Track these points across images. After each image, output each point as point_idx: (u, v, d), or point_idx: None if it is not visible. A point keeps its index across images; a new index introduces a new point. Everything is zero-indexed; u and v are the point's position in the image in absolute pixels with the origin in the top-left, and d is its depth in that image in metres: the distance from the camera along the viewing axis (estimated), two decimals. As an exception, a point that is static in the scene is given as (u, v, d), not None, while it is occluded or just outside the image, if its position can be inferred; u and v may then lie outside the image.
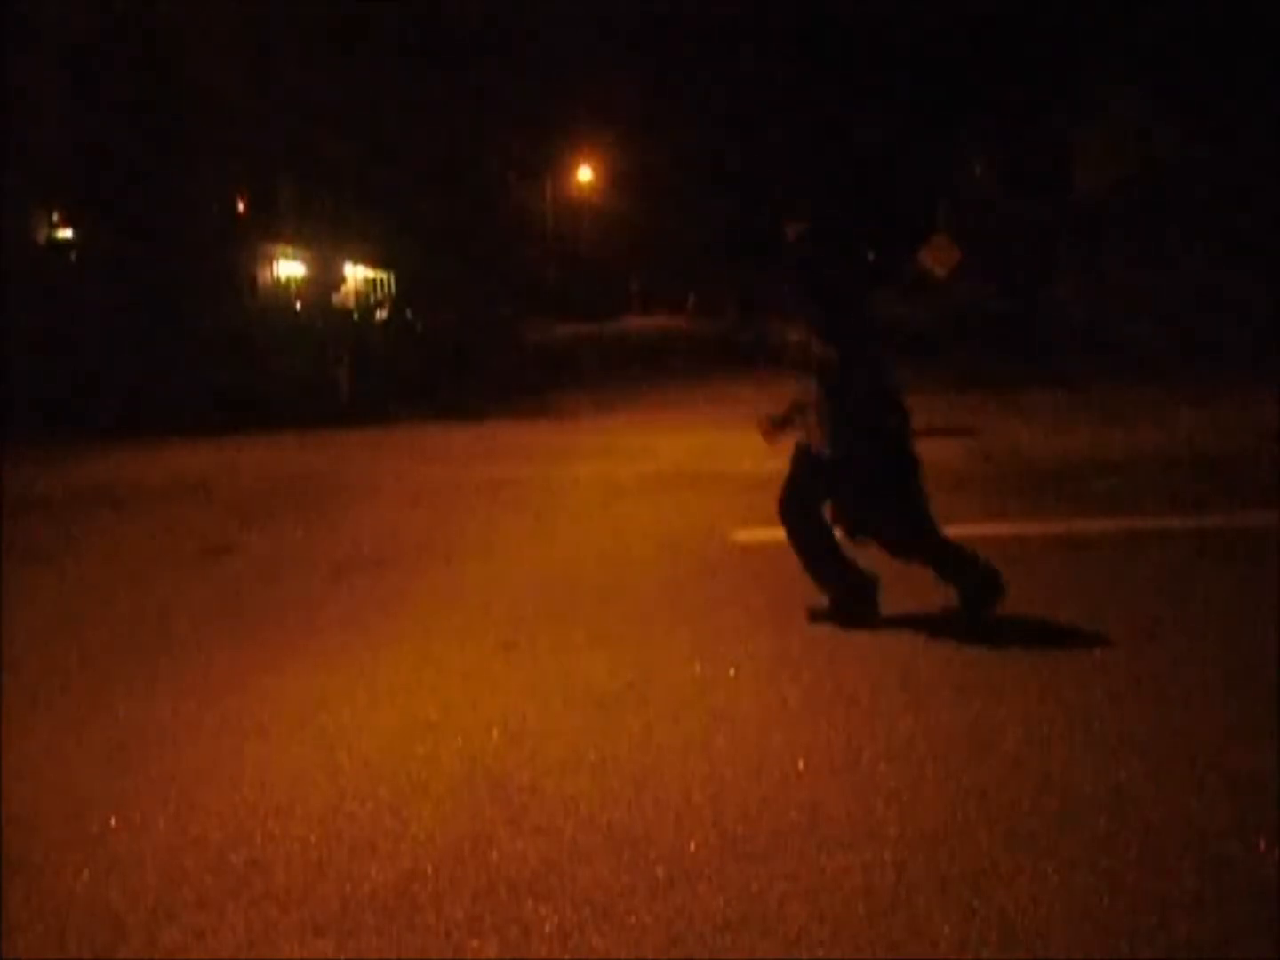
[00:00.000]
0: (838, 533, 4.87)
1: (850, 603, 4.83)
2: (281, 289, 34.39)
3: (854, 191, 34.28)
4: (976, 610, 4.82)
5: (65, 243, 24.61)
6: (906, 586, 5.48)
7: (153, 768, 3.63)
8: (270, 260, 34.16)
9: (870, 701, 3.95)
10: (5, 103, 20.23)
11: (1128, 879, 2.73)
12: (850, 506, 4.81)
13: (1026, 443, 10.34)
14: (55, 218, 24.20)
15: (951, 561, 4.87)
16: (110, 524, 8.10)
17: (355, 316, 33.53)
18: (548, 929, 2.62)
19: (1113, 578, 5.50)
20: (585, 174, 47.37)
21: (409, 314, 37.15)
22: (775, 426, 4.99)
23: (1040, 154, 30.08)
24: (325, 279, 36.43)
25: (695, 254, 47.74)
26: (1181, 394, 13.45)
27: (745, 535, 6.24)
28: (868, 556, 4.92)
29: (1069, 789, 3.21)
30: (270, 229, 32.91)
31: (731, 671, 4.31)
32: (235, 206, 30.07)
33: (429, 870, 2.91)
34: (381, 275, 43.76)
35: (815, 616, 4.85)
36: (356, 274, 41.74)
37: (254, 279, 31.98)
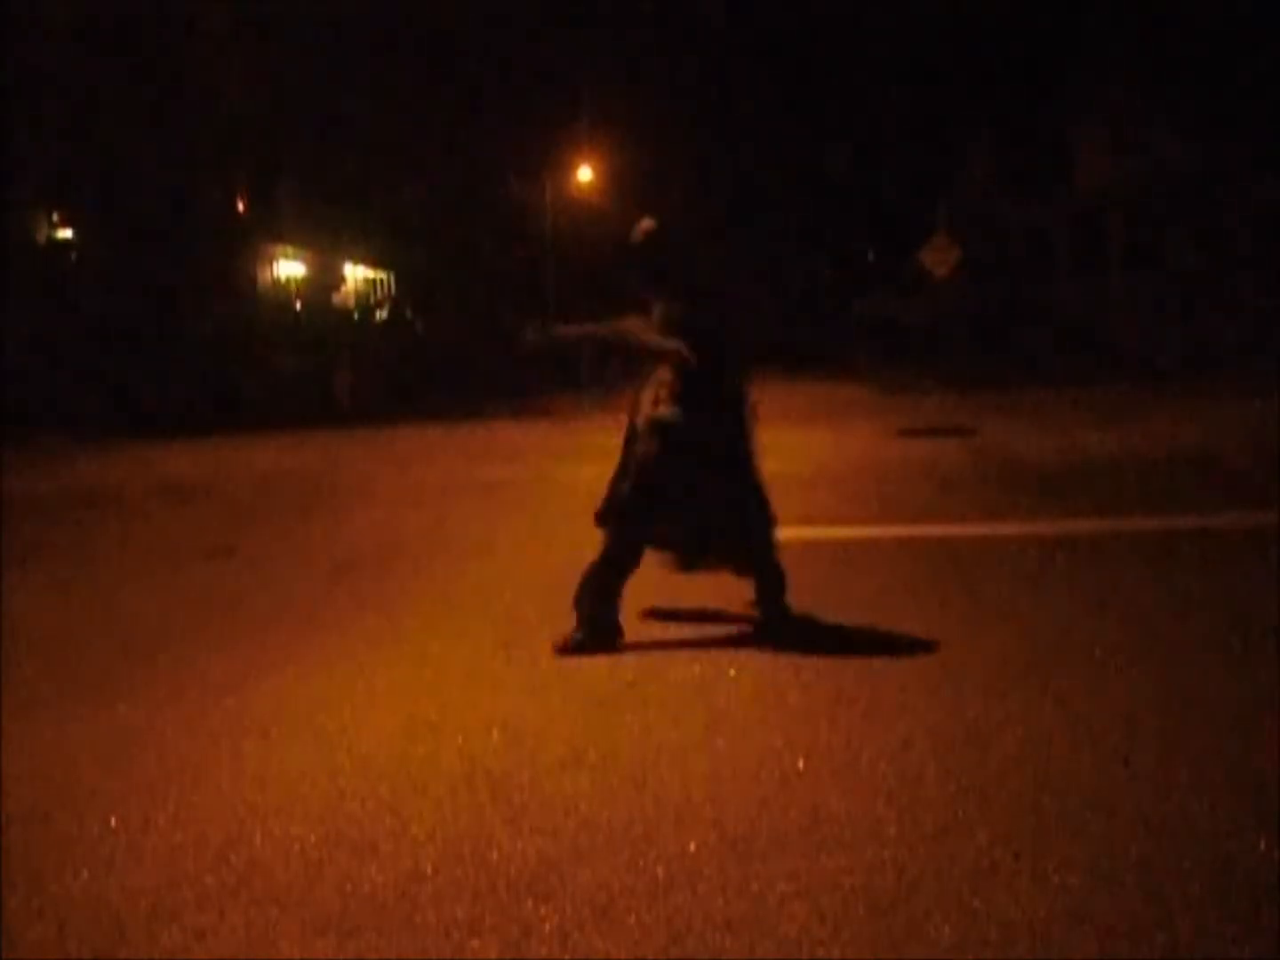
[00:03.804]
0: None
1: (595, 635, 4.74)
2: (281, 289, 34.38)
3: (855, 191, 34.27)
4: (775, 614, 4.82)
5: (65, 243, 24.61)
6: (905, 588, 5.49)
7: (153, 768, 3.63)
8: (270, 260, 34.15)
9: (870, 701, 3.95)
10: (6, 103, 20.23)
11: (1128, 879, 2.73)
12: (695, 504, 4.77)
13: (1026, 442, 10.34)
14: (55, 218, 24.20)
15: (774, 559, 4.86)
16: (110, 524, 8.10)
17: (355, 316, 33.55)
18: (548, 929, 2.62)
19: (1112, 578, 5.50)
20: (585, 174, 47.33)
21: (409, 314, 37.14)
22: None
23: (1040, 154, 30.09)
24: (325, 279, 36.41)
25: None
26: (1180, 394, 13.46)
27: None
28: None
29: (1069, 789, 3.21)
30: (270, 229, 32.90)
31: (731, 671, 4.31)
32: (235, 206, 30.07)
33: (429, 870, 2.91)
34: (381, 275, 43.74)
35: (562, 650, 4.70)
36: (356, 274, 41.72)
37: (254, 279, 31.97)
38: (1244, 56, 22.44)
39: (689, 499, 4.77)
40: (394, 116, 32.86)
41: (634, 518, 4.77)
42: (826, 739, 3.63)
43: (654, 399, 4.81)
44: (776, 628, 4.81)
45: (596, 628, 4.74)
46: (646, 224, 4.91)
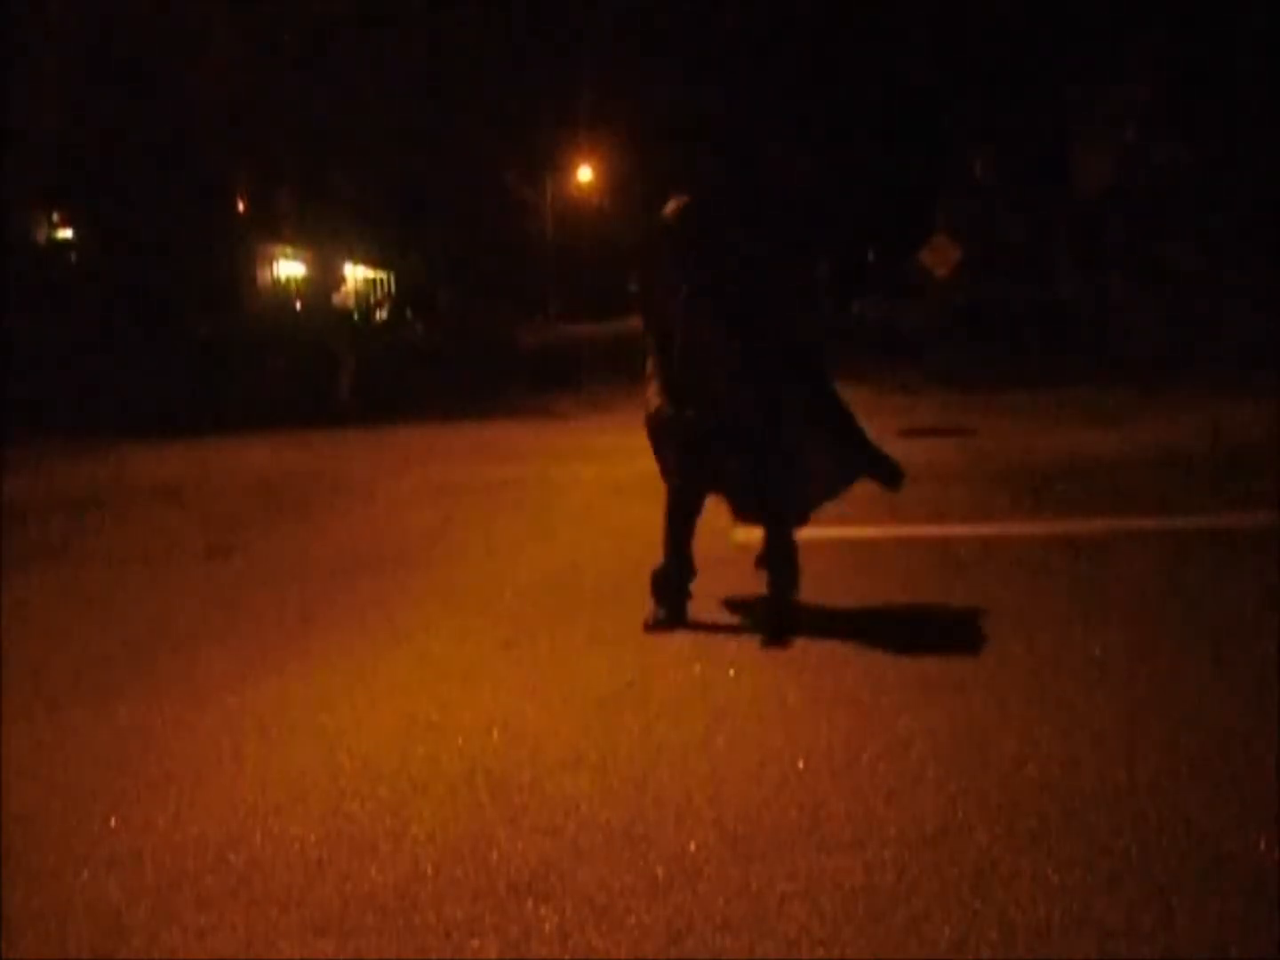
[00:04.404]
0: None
1: (670, 611, 4.93)
2: (281, 289, 34.39)
3: (856, 192, 34.27)
4: (783, 608, 4.93)
5: (65, 243, 24.61)
6: (905, 588, 5.49)
7: (153, 768, 3.63)
8: (270, 260, 34.16)
9: (870, 701, 3.95)
10: (5, 103, 20.22)
11: (1128, 879, 2.73)
12: (736, 473, 4.93)
13: (1025, 442, 10.34)
14: (55, 218, 24.20)
15: (790, 552, 4.98)
16: (110, 525, 8.10)
17: (355, 316, 33.58)
18: (548, 929, 2.62)
19: (1111, 578, 5.50)
20: (585, 174, 47.35)
21: (409, 314, 37.17)
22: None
23: (1040, 154, 30.08)
24: (325, 279, 36.42)
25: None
26: (1181, 394, 13.45)
27: (745, 535, 6.23)
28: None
29: (1069, 789, 3.21)
30: (270, 229, 32.91)
31: (731, 671, 4.31)
32: (235, 206, 30.06)
33: (429, 870, 2.91)
34: (381, 275, 43.76)
35: (648, 628, 4.86)
36: (356, 274, 41.75)
37: (254, 279, 31.98)
38: (1244, 56, 22.43)
39: (731, 469, 4.93)
40: (395, 117, 32.85)
41: (675, 513, 4.97)
42: (826, 739, 3.63)
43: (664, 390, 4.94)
44: (783, 621, 4.83)
45: (669, 602, 4.92)
46: (679, 200, 4.93)
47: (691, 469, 4.93)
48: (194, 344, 21.15)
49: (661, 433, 5.00)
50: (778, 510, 4.99)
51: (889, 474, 5.02)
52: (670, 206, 4.93)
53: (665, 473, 5.11)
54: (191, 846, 3.09)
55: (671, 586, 4.96)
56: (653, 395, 4.98)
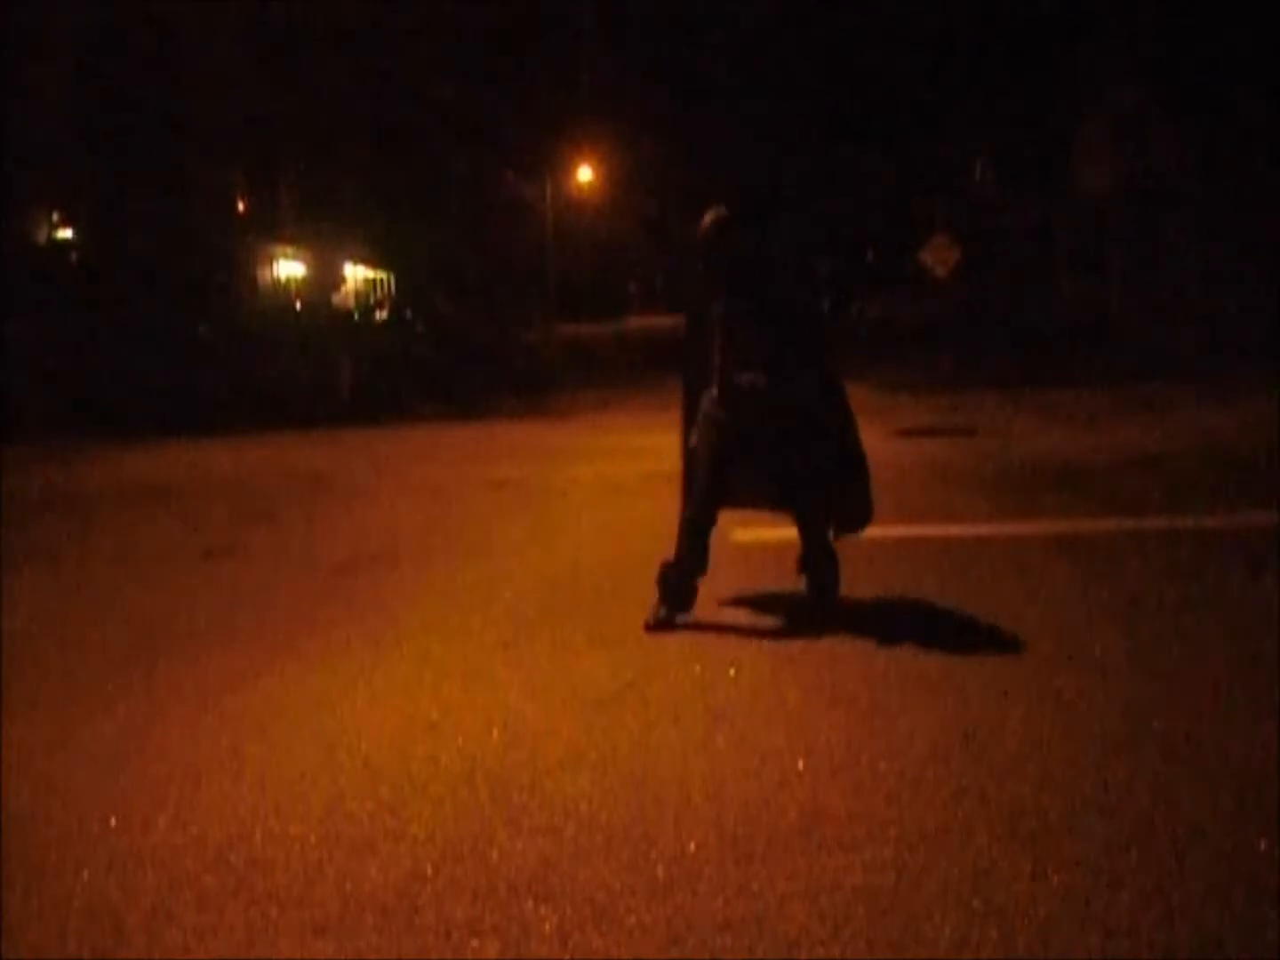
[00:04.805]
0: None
1: (672, 608, 4.92)
2: (281, 289, 34.39)
3: (856, 192, 34.30)
4: (824, 608, 4.97)
5: (65, 243, 24.62)
6: (905, 588, 5.49)
7: (153, 768, 3.63)
8: (270, 260, 34.16)
9: (870, 701, 3.95)
10: (6, 103, 20.23)
11: (1128, 879, 2.73)
12: (776, 466, 4.97)
13: (1026, 442, 10.34)
14: (55, 218, 24.21)
15: (832, 552, 5.05)
16: (110, 524, 8.10)
17: (355, 316, 33.57)
18: (548, 929, 2.62)
19: (1111, 578, 5.50)
20: (585, 174, 47.31)
21: (409, 314, 37.15)
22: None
23: (1041, 154, 30.09)
24: (325, 279, 36.43)
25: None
26: (1181, 393, 13.46)
27: (745, 535, 6.24)
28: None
29: (1069, 789, 3.21)
30: (270, 229, 32.91)
31: (731, 671, 4.31)
32: (235, 206, 30.08)
33: (429, 870, 2.91)
34: (381, 275, 43.75)
35: (649, 627, 4.86)
36: (356, 274, 41.75)
37: (254, 279, 31.97)
38: (1245, 56, 22.43)
39: (760, 466, 4.97)
40: (395, 117, 32.85)
41: (700, 502, 4.96)
42: (826, 739, 3.63)
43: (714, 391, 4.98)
44: (823, 612, 4.90)
45: (673, 601, 4.90)
46: (716, 212, 4.93)
47: (728, 467, 4.93)
48: (194, 344, 21.15)
49: (704, 435, 4.99)
50: (812, 510, 4.99)
51: (850, 518, 5.04)
52: (707, 219, 4.94)
53: (692, 486, 5.10)
54: (191, 846, 3.09)
55: (679, 583, 4.94)
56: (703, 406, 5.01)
